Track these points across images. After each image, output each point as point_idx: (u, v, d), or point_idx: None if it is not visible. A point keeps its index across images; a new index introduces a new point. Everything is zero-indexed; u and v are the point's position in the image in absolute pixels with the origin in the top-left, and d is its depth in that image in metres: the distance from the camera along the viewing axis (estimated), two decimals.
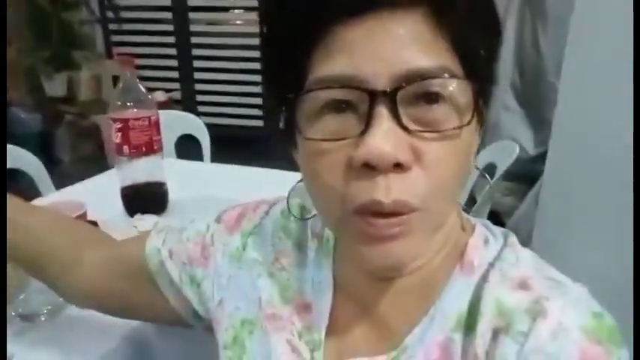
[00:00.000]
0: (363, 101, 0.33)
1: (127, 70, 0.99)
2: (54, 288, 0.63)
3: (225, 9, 3.70)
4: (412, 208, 0.34)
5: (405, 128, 0.33)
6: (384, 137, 0.32)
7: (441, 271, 0.41)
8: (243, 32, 3.59)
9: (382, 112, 0.32)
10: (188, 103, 3.61)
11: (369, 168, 0.33)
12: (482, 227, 0.43)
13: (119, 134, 1.00)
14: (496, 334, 0.36)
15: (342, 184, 0.34)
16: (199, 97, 3.71)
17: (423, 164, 0.33)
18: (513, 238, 0.42)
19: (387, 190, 0.33)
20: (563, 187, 1.34)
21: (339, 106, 0.34)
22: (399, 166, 0.33)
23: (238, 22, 3.73)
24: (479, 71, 0.35)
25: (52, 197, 1.20)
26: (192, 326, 0.57)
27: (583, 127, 1.27)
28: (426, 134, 0.33)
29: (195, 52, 3.64)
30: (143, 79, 1.04)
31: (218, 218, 0.55)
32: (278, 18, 0.36)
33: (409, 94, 0.33)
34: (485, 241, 0.42)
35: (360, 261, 0.38)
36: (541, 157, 2.27)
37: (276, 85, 0.39)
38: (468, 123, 0.34)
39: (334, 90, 0.33)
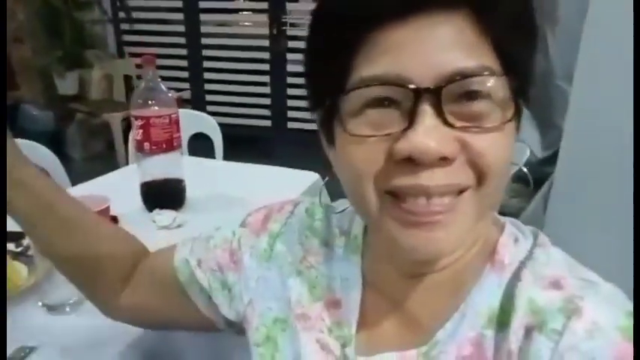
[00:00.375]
0: (407, 99, 0.34)
1: (149, 68, 1.01)
2: (86, 295, 0.61)
3: (235, 11, 3.73)
4: (461, 187, 0.35)
5: (449, 124, 0.34)
6: (428, 133, 0.33)
7: (470, 268, 0.42)
8: (252, 34, 3.63)
9: (426, 109, 0.33)
10: (197, 103, 3.64)
11: (411, 162, 0.34)
12: (511, 226, 0.44)
13: (140, 131, 1.02)
14: (529, 331, 0.36)
15: (381, 170, 0.36)
16: (208, 97, 3.74)
17: (469, 153, 0.35)
18: (544, 238, 0.43)
19: (431, 177, 0.34)
20: (573, 189, 1.35)
21: (382, 103, 0.35)
22: (444, 160, 0.34)
23: (247, 23, 3.77)
24: (518, 70, 0.36)
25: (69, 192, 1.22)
26: (223, 331, 0.58)
27: (594, 130, 1.28)
28: (470, 129, 0.34)
29: (206, 52, 3.67)
30: None
31: (243, 222, 0.55)
32: (324, 20, 0.38)
33: (451, 92, 0.34)
34: (515, 240, 0.42)
35: (397, 250, 0.38)
36: (548, 160, 2.28)
37: (318, 84, 0.40)
38: (510, 119, 0.35)
39: (378, 88, 0.34)
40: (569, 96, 1.40)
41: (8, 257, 0.82)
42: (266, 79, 3.60)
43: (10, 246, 0.84)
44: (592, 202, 1.30)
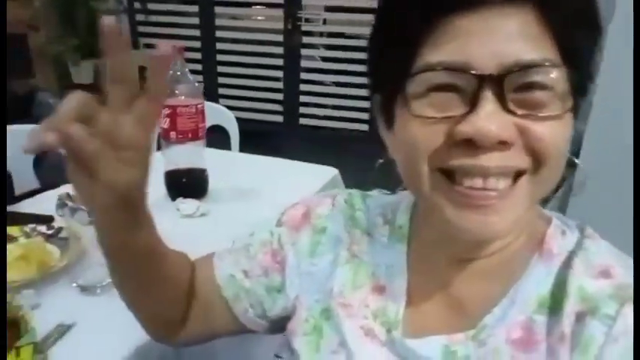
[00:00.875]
0: (470, 85, 0.35)
1: (177, 58, 1.02)
2: (147, 331, 0.59)
3: (249, 4, 3.74)
4: (518, 169, 0.37)
5: (510, 111, 0.35)
6: (489, 118, 0.35)
7: (518, 255, 0.43)
8: (267, 28, 3.63)
9: (488, 95, 0.35)
10: (210, 96, 3.65)
11: (470, 144, 0.35)
12: (557, 219, 0.46)
13: (167, 120, 1.03)
14: (581, 317, 0.38)
15: (438, 149, 0.37)
16: (221, 90, 3.75)
17: (528, 138, 0.36)
18: (590, 230, 0.44)
19: (489, 159, 0.36)
20: (595, 193, 1.35)
21: (446, 87, 0.36)
22: (502, 144, 0.35)
23: (261, 17, 3.77)
24: (578, 64, 0.37)
25: None
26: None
27: (615, 136, 1.29)
28: (530, 116, 0.36)
29: (219, 45, 3.68)
30: None
31: (279, 222, 0.56)
32: (395, 6, 0.39)
33: (513, 81, 0.35)
34: (562, 232, 0.44)
35: (450, 230, 0.39)
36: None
37: (383, 68, 0.42)
38: (569, 110, 0.37)
39: (443, 73, 0.36)
40: (590, 102, 1.40)
41: (40, 239, 0.84)
42: (279, 74, 3.61)
43: (42, 228, 0.86)
44: (612, 205, 1.31)
